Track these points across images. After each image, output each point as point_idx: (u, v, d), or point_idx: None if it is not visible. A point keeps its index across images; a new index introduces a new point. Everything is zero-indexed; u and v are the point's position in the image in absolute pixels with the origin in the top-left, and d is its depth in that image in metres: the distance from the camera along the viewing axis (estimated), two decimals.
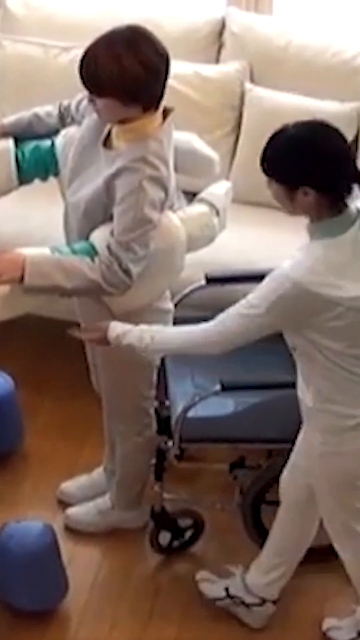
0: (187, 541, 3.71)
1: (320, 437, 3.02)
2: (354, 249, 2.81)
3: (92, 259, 3.06)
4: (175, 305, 3.43)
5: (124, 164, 3.03)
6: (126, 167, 3.03)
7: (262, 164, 2.84)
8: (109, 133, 3.14)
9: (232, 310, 2.92)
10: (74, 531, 3.76)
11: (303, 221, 2.89)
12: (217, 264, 3.79)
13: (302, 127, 2.82)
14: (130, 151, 3.05)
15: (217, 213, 3.31)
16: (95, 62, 2.94)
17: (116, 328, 3.08)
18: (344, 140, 2.83)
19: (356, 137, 4.26)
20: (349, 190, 2.81)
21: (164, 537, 3.67)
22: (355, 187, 2.81)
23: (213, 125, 4.36)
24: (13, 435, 4.03)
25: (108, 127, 3.14)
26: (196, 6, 4.64)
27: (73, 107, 3.31)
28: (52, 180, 3.34)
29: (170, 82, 3.06)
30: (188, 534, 3.69)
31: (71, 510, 3.80)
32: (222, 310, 2.95)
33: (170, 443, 3.45)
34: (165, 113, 3.11)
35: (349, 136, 4.21)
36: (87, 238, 3.14)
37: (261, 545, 3.44)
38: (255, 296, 2.87)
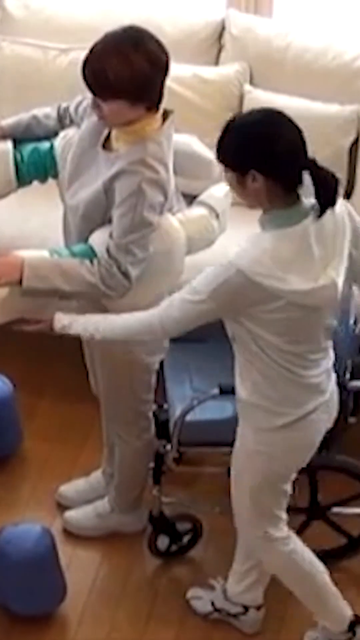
0: (185, 545, 3.70)
1: (253, 435, 3.04)
2: (302, 243, 2.80)
3: (91, 262, 3.05)
4: None
5: (123, 166, 3.02)
6: (125, 170, 3.02)
7: (217, 151, 2.86)
8: (109, 135, 3.14)
9: (176, 296, 2.93)
10: (73, 534, 3.76)
11: None
12: None
13: (254, 114, 2.86)
14: (129, 153, 3.04)
15: (217, 216, 3.30)
16: (103, 63, 2.93)
17: (62, 319, 3.08)
18: (297, 129, 2.80)
19: (356, 140, 4.25)
20: (299, 179, 2.80)
21: (163, 541, 3.66)
22: (305, 176, 2.79)
23: (212, 128, 4.27)
24: (12, 438, 4.03)
25: (107, 129, 3.13)
26: (196, 8, 4.63)
27: (72, 109, 3.30)
28: (51, 182, 3.33)
29: (170, 84, 3.06)
30: (186, 538, 3.69)
31: (70, 514, 3.79)
32: None
33: (168, 446, 3.45)
34: (165, 115, 3.10)
35: (349, 139, 4.22)
36: (86, 240, 3.14)
37: None
38: (199, 282, 2.87)
